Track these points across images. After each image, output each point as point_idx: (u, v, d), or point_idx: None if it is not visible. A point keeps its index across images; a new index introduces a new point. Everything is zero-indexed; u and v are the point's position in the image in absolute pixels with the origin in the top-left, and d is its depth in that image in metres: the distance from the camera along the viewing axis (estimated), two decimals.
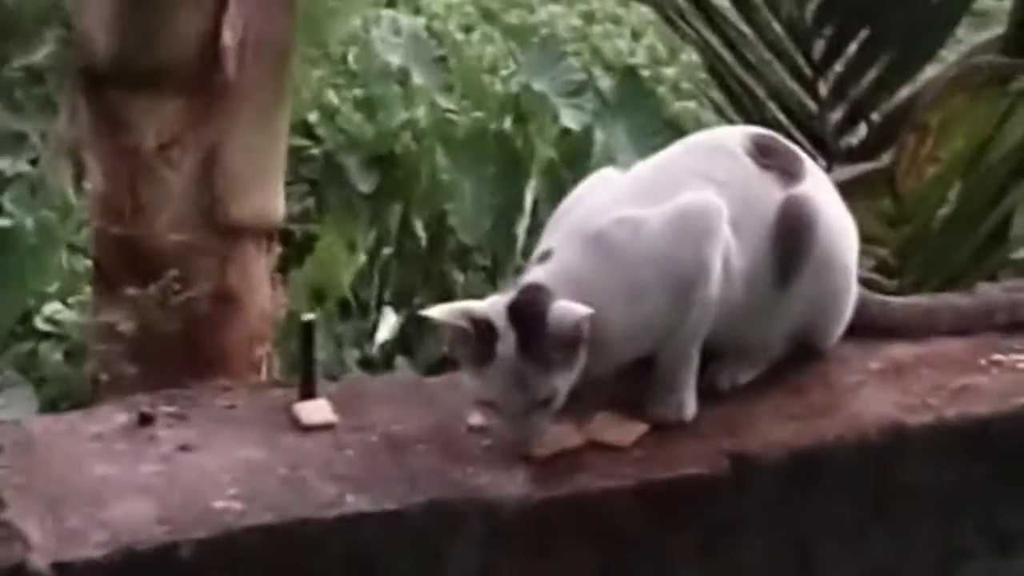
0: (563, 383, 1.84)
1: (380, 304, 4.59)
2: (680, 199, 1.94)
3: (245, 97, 3.21)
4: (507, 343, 1.82)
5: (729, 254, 1.94)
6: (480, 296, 4.42)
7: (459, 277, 4.74)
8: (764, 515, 1.90)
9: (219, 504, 1.75)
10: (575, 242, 1.91)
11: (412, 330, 4.50)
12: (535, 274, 1.89)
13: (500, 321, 1.83)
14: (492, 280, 4.59)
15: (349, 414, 1.93)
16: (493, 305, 1.86)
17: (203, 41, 3.14)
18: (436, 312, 1.86)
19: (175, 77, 3.13)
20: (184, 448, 1.86)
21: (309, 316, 2.01)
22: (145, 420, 1.90)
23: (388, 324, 4.48)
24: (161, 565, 1.69)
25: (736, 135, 2.06)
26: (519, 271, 4.50)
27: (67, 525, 1.71)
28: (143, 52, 3.12)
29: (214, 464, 1.83)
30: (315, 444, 1.88)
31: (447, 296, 4.62)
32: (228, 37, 3.15)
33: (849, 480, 1.93)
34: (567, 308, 1.83)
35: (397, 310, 4.54)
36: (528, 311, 1.84)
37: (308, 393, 1.94)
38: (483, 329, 1.83)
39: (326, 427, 1.91)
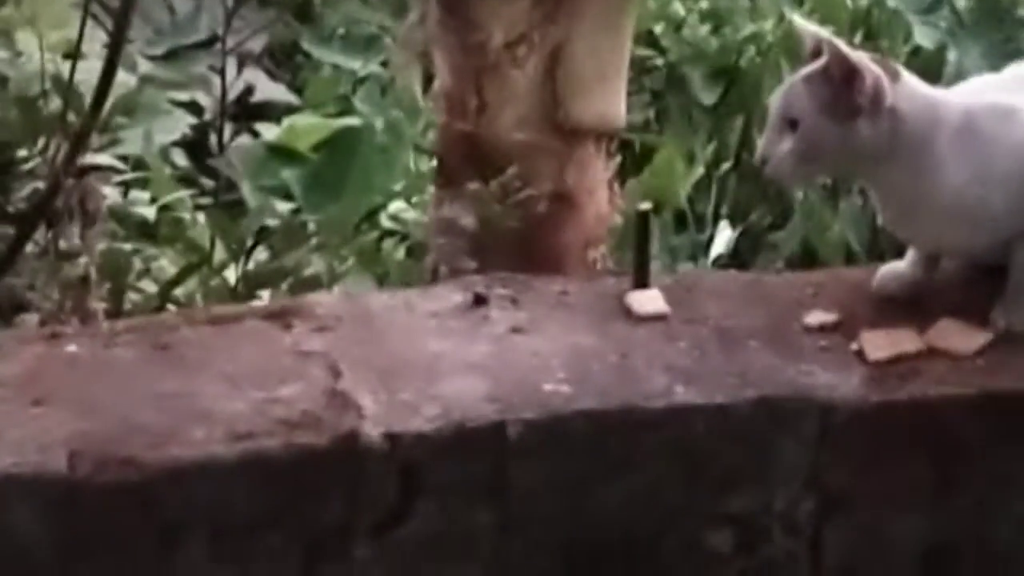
0: None
1: (716, 218, 4.55)
2: None
3: None
4: None
5: None
6: (819, 222, 4.33)
7: (798, 194, 4.65)
8: None
9: (548, 387, 1.76)
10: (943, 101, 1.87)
11: (747, 245, 4.45)
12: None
13: None
14: (834, 198, 4.49)
15: (682, 306, 1.91)
16: None
17: None
18: None
19: None
20: (516, 330, 1.87)
21: (645, 205, 1.99)
22: (480, 301, 1.92)
23: (723, 238, 4.43)
24: (489, 442, 1.71)
25: None
26: (862, 191, 4.41)
27: (400, 397, 1.74)
28: None
29: (545, 347, 1.83)
30: (646, 334, 1.86)
31: (785, 213, 4.55)
32: None
33: None
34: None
35: (733, 224, 4.48)
36: None
37: (641, 283, 1.93)
38: None
39: (658, 318, 1.89)
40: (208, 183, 4.24)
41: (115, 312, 2.82)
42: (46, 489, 1.62)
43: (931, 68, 4.61)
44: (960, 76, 4.34)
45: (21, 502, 1.61)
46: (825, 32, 1.89)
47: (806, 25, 1.93)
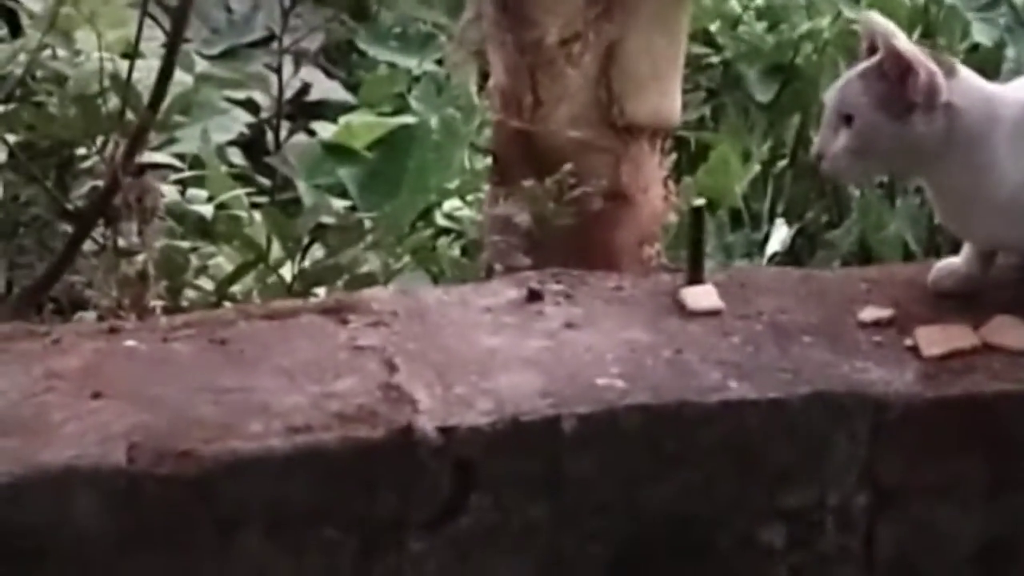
0: None
1: (772, 216, 4.53)
2: None
3: None
4: None
5: None
6: (876, 220, 4.29)
7: (855, 192, 4.63)
8: None
9: (602, 381, 1.76)
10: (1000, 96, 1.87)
11: (803, 243, 4.43)
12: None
13: None
14: (891, 198, 4.46)
15: (735, 301, 1.91)
16: None
17: None
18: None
19: None
20: (570, 325, 1.87)
21: (699, 202, 1.99)
22: (534, 296, 1.92)
23: (779, 236, 4.41)
24: (543, 436, 1.71)
25: None
26: (919, 189, 4.39)
27: (454, 392, 1.75)
28: None
29: (599, 342, 1.84)
30: (700, 329, 1.87)
31: (841, 211, 4.53)
32: None
33: None
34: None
35: (789, 223, 4.47)
36: None
37: (695, 278, 1.93)
38: None
39: (712, 313, 1.89)
40: (264, 181, 4.26)
41: (172, 309, 2.84)
42: (106, 481, 1.63)
43: (989, 65, 4.57)
44: (1018, 73, 4.31)
45: (81, 494, 1.63)
46: (884, 24, 1.89)
47: (869, 17, 1.92)
